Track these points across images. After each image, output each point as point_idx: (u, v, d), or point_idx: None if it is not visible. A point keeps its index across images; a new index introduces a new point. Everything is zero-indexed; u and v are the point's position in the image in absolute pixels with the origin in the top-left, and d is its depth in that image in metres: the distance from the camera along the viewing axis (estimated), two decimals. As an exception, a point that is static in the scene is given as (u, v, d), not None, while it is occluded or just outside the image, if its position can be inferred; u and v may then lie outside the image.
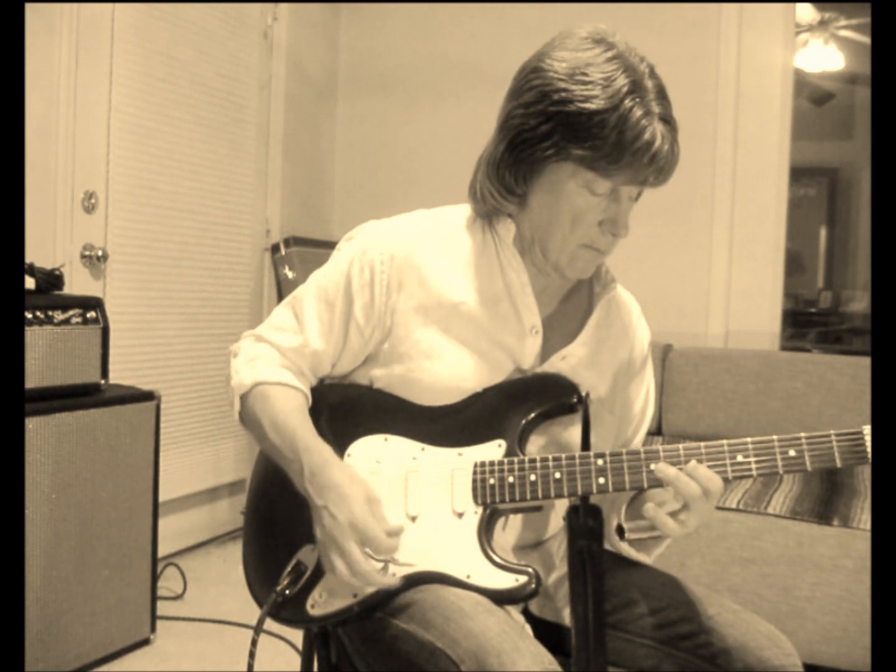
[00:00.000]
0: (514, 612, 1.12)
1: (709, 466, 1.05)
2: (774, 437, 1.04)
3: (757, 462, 1.04)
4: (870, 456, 1.00)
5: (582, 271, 1.17)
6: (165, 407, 2.41)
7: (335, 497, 1.05)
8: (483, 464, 1.12)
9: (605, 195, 1.09)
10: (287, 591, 1.12)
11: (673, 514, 1.06)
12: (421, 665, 1.04)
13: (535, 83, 1.08)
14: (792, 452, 1.03)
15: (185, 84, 2.92)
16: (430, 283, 1.17)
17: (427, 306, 1.17)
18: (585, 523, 1.10)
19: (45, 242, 2.47)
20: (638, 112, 1.03)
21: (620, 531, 1.12)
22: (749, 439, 1.05)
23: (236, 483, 3.32)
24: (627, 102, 1.03)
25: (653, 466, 1.05)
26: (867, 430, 1.01)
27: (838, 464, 1.02)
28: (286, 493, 1.19)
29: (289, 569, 1.13)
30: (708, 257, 3.16)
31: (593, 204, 1.09)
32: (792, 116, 3.14)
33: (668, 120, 1.05)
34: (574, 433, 1.19)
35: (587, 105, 1.03)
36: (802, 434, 1.03)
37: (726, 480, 1.05)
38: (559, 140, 1.06)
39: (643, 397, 1.31)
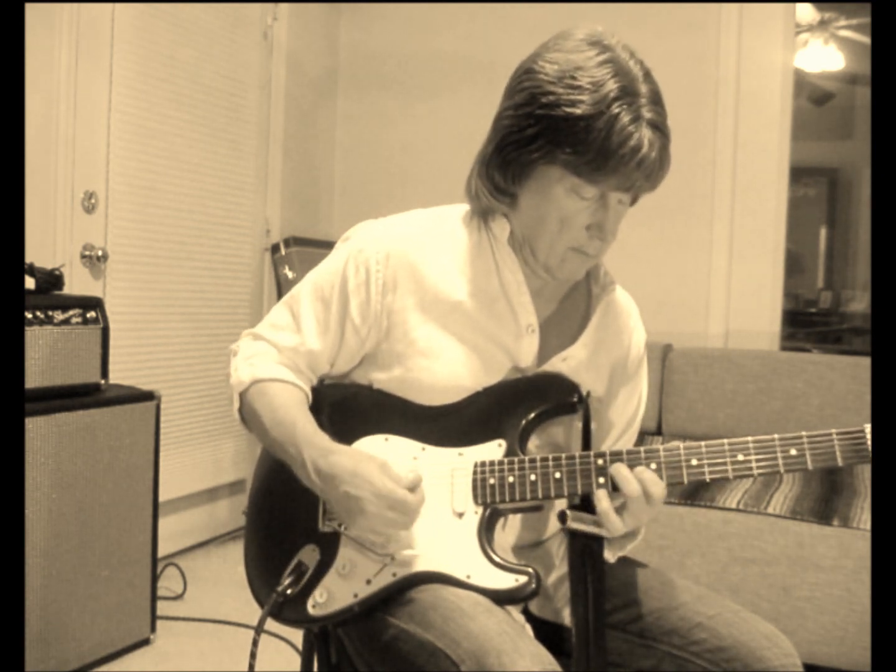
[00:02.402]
0: (515, 612, 1.12)
1: (710, 465, 1.05)
2: (776, 435, 1.04)
3: (758, 461, 1.04)
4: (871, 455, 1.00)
5: (571, 273, 1.17)
6: (165, 407, 2.41)
7: (349, 479, 1.05)
8: (483, 463, 1.12)
9: (592, 200, 1.08)
10: (288, 592, 1.12)
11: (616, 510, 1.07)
12: (421, 665, 1.04)
13: (525, 85, 1.07)
14: (793, 451, 1.03)
15: (186, 84, 2.92)
16: (426, 282, 1.17)
17: (423, 305, 1.17)
18: (585, 523, 1.10)
19: (45, 242, 2.47)
20: (625, 118, 1.01)
21: (562, 517, 1.12)
22: (750, 438, 1.05)
23: (236, 483, 3.32)
24: (615, 108, 1.01)
25: (611, 469, 1.07)
26: (869, 428, 1.01)
27: (840, 463, 1.02)
28: (288, 492, 1.19)
29: (290, 569, 1.14)
30: (708, 257, 3.16)
31: (581, 208, 1.09)
32: (792, 116, 3.14)
33: (658, 126, 1.04)
34: (574, 433, 1.19)
35: (573, 110, 1.02)
36: (804, 433, 1.03)
37: (726, 479, 1.05)
38: (546, 144, 1.06)
39: (637, 398, 1.31)
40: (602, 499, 1.06)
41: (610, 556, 1.21)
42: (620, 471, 1.06)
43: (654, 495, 1.05)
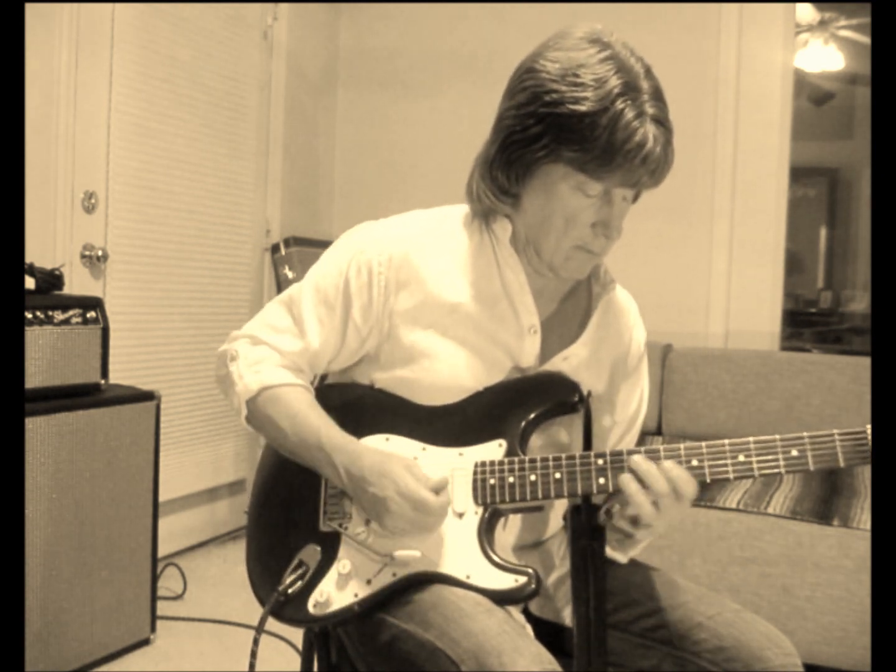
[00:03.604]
0: (515, 612, 1.12)
1: (710, 466, 1.05)
2: (777, 436, 1.04)
3: (759, 462, 1.04)
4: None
5: (576, 272, 1.17)
6: (165, 407, 2.41)
7: (376, 480, 1.07)
8: (484, 464, 1.12)
9: (597, 197, 1.09)
10: (289, 591, 1.12)
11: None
12: (421, 665, 1.04)
13: (527, 84, 1.07)
14: (794, 452, 1.03)
15: (185, 84, 2.92)
16: (428, 283, 1.17)
17: (426, 306, 1.17)
18: (587, 523, 1.10)
19: (45, 242, 2.47)
20: (629, 114, 1.02)
21: (609, 512, 1.11)
22: (751, 439, 1.05)
23: (236, 483, 3.32)
24: (619, 104, 1.02)
25: (632, 460, 1.05)
26: (871, 429, 1.00)
27: (841, 464, 1.01)
28: (290, 492, 1.20)
29: (291, 568, 1.14)
30: (708, 257, 3.16)
31: (586, 206, 1.09)
32: (792, 116, 3.14)
33: (661, 121, 1.04)
34: (575, 433, 1.19)
35: (578, 107, 1.02)
36: (805, 433, 1.03)
37: (727, 480, 1.05)
38: (550, 142, 1.06)
39: (637, 397, 1.31)
40: (629, 483, 1.04)
41: (622, 556, 1.21)
42: (645, 466, 1.04)
43: (686, 493, 1.03)
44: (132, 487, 2.20)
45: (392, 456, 1.10)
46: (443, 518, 1.08)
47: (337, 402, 1.22)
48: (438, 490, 1.07)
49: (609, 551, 1.20)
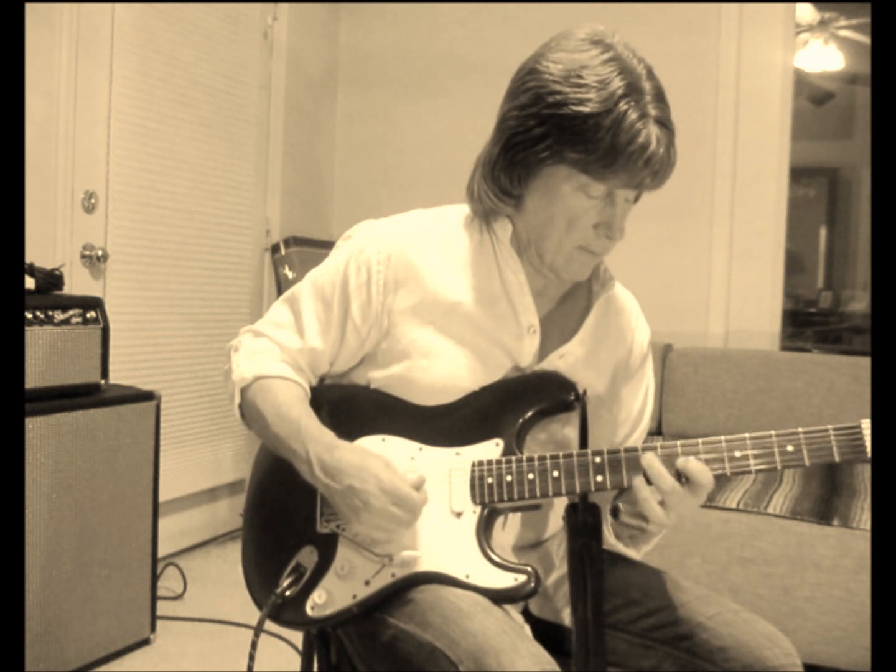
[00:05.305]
0: (514, 612, 1.12)
1: (707, 462, 1.05)
2: (772, 432, 1.04)
3: (755, 458, 1.04)
4: (868, 450, 1.00)
5: (577, 273, 1.17)
6: (165, 407, 2.41)
7: (355, 473, 1.05)
8: (481, 463, 1.12)
9: (600, 198, 1.09)
10: (287, 593, 1.12)
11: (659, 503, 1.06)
12: (420, 665, 1.04)
13: (530, 85, 1.07)
14: (790, 448, 1.03)
15: (185, 84, 2.92)
16: (427, 282, 1.17)
17: (424, 305, 1.17)
18: (584, 521, 1.10)
19: (45, 242, 2.47)
20: (633, 115, 1.02)
21: (615, 511, 1.11)
22: (747, 435, 1.05)
23: (236, 483, 3.32)
24: (622, 105, 1.02)
25: (642, 460, 1.05)
26: (865, 423, 1.00)
27: (836, 458, 1.02)
28: (285, 494, 1.20)
29: (288, 570, 1.14)
30: (708, 257, 3.16)
31: (588, 207, 1.09)
32: (792, 116, 3.14)
33: (664, 123, 1.04)
34: (572, 431, 1.19)
35: (581, 108, 1.02)
36: (800, 429, 1.03)
37: (724, 476, 1.05)
38: (553, 143, 1.06)
39: (642, 397, 1.31)
40: (642, 489, 1.05)
41: (636, 553, 1.21)
42: (654, 465, 1.04)
43: (703, 483, 1.03)
44: (132, 487, 2.20)
45: (370, 452, 1.09)
46: (418, 517, 1.06)
47: (333, 402, 1.22)
48: (417, 487, 1.06)
49: (622, 548, 1.20)
